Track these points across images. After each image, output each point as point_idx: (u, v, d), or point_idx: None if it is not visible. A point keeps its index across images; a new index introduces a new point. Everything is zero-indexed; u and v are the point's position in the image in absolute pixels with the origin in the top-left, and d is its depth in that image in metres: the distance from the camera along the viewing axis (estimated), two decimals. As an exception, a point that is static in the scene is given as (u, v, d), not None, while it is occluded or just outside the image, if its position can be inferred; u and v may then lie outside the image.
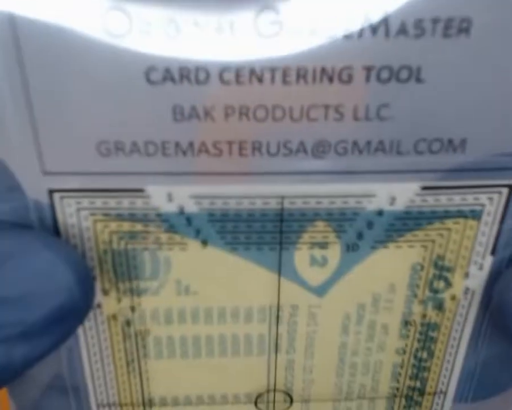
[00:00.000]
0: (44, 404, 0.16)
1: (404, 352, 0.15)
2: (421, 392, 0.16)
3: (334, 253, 0.14)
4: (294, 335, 0.15)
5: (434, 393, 0.16)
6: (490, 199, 0.13)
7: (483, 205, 0.13)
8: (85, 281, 0.12)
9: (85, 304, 0.12)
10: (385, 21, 0.10)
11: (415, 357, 0.15)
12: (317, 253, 0.14)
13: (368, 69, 0.11)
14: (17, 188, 0.12)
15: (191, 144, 0.12)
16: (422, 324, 0.15)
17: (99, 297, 0.14)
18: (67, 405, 0.16)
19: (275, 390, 0.16)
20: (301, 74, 0.11)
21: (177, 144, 0.12)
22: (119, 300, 0.14)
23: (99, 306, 0.14)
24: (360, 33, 0.10)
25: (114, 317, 0.14)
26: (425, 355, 0.15)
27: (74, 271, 0.12)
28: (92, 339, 0.15)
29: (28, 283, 0.11)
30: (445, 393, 0.16)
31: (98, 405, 0.16)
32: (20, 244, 0.12)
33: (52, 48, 0.10)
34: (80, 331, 0.14)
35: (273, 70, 0.11)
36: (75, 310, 0.12)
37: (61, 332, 0.12)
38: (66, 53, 0.10)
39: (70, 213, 0.12)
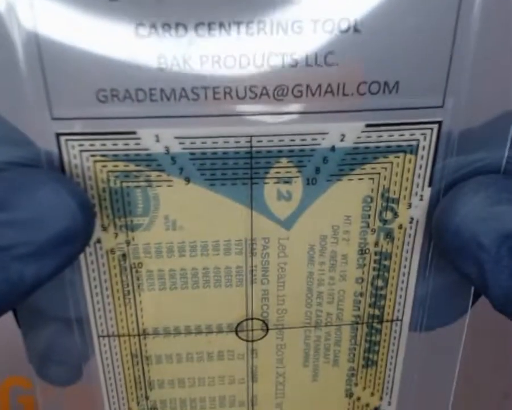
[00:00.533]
0: (52, 337, 0.18)
1: (363, 280, 0.18)
2: (380, 320, 0.19)
3: (297, 188, 0.16)
4: (268, 266, 0.18)
5: (392, 321, 0.19)
6: (423, 134, 0.16)
7: (418, 140, 0.16)
8: (85, 207, 0.14)
9: (86, 228, 0.15)
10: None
11: (372, 285, 0.18)
12: (283, 188, 0.16)
13: (315, 22, 0.14)
14: (29, 140, 0.15)
15: (173, 90, 0.14)
16: (376, 253, 0.18)
17: (98, 233, 0.16)
18: (72, 337, 0.18)
19: (252, 319, 0.18)
20: (261, 27, 0.14)
21: (161, 90, 0.14)
22: (115, 235, 0.16)
23: (98, 241, 0.17)
24: (306, -10, 0.13)
25: (112, 251, 0.17)
26: (380, 283, 0.18)
27: (77, 200, 0.14)
28: (93, 273, 0.17)
29: (37, 209, 0.14)
30: (401, 321, 0.19)
31: (99, 336, 0.18)
32: (30, 176, 0.14)
33: (61, 9, 0.13)
34: (82, 265, 0.17)
35: (238, 24, 0.14)
36: (78, 234, 0.14)
37: (66, 253, 0.14)
38: (73, 12, 0.13)
39: (74, 154, 0.15)
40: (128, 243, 0.17)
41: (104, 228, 0.16)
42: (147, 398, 0.20)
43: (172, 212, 0.16)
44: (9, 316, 0.18)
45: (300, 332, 0.19)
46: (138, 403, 0.20)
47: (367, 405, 0.21)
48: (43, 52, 0.13)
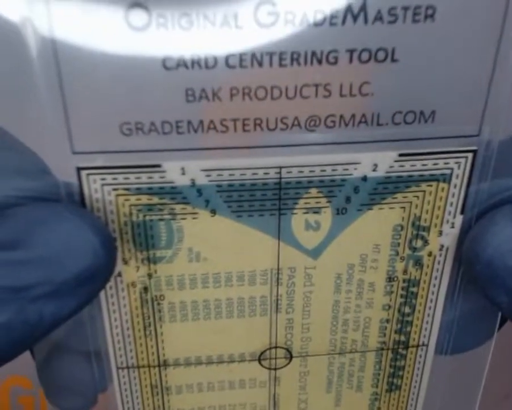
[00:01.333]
0: (69, 368, 0.18)
1: (389, 307, 0.17)
2: (406, 345, 0.18)
3: (326, 217, 0.16)
4: (293, 296, 0.17)
5: (417, 346, 0.18)
6: (458, 163, 0.15)
7: (451, 169, 0.15)
8: (108, 244, 0.14)
9: (108, 266, 0.14)
10: (364, 10, 0.12)
11: (399, 311, 0.18)
12: (311, 218, 0.16)
13: (351, 52, 0.13)
14: (47, 170, 0.14)
15: (201, 123, 0.14)
16: (404, 281, 0.17)
17: (119, 267, 0.16)
18: (89, 369, 0.17)
19: (276, 347, 0.18)
20: (295, 58, 0.13)
21: (189, 123, 0.14)
22: (137, 268, 0.16)
23: (119, 275, 0.16)
24: (343, 21, 0.12)
25: (133, 284, 0.16)
26: (407, 309, 0.18)
27: (99, 236, 0.13)
28: (113, 306, 0.16)
29: (58, 246, 0.13)
30: (427, 346, 0.18)
31: (118, 367, 0.18)
32: (51, 211, 0.13)
33: (82, 41, 0.12)
34: (102, 299, 0.16)
35: (271, 55, 0.13)
36: (100, 271, 0.14)
37: (87, 292, 0.14)
38: (95, 46, 0.12)
39: (95, 188, 0.14)
40: (150, 276, 0.16)
41: (126, 262, 0.16)
42: (166, 428, 0.19)
43: (196, 244, 0.16)
44: None
45: (324, 359, 0.18)
46: (157, 433, 0.19)
47: (390, 428, 0.20)
48: (64, 82, 0.13)
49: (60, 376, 0.18)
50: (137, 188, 0.14)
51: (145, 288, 0.16)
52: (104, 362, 0.17)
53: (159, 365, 0.18)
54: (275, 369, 0.18)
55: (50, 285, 0.13)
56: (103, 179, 0.14)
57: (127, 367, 0.18)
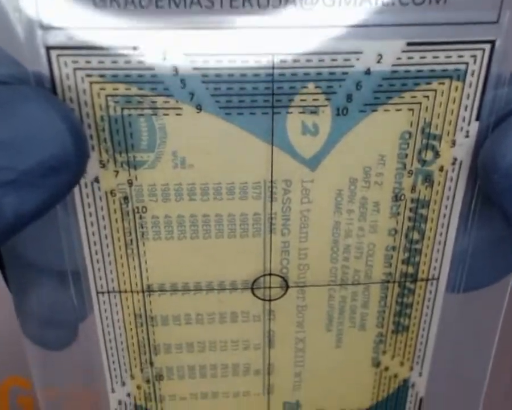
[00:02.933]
0: (45, 294, 0.16)
1: (396, 232, 0.16)
2: (414, 278, 0.17)
3: (324, 119, 0.14)
4: (289, 214, 0.15)
5: (427, 280, 0.17)
6: (473, 56, 0.13)
7: (466, 64, 0.13)
8: (77, 133, 0.12)
9: (76, 157, 0.12)
10: None
11: (406, 237, 0.16)
12: (308, 119, 0.14)
13: None
14: (13, 59, 0.12)
15: (183, -5, 0.12)
16: (412, 200, 0.15)
17: (96, 170, 0.14)
18: (67, 293, 0.16)
19: (270, 274, 0.16)
20: None
21: (169, -5, 0.12)
22: (116, 173, 0.14)
23: (96, 180, 0.14)
24: None
25: (112, 193, 0.15)
26: (416, 235, 0.16)
27: (67, 122, 0.12)
28: (90, 217, 0.15)
29: (21, 129, 0.12)
30: (437, 280, 0.17)
31: (98, 292, 0.16)
32: (14, 92, 0.12)
33: None
34: (78, 207, 0.15)
35: None
36: (67, 162, 0.12)
37: (52, 185, 0.12)
38: None
39: (67, 74, 0.13)
40: (130, 183, 0.14)
41: (103, 165, 0.14)
42: (151, 364, 0.18)
43: (181, 147, 0.14)
44: (9, 316, 0.17)
45: (323, 292, 0.17)
46: (142, 370, 0.18)
47: (395, 375, 0.18)
48: None
49: (37, 305, 0.16)
50: (114, 75, 0.13)
51: (126, 198, 0.15)
52: (83, 285, 0.16)
53: (143, 291, 0.16)
54: (270, 300, 0.17)
55: (11, 172, 0.12)
56: (75, 62, 0.13)
57: (108, 292, 0.16)
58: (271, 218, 0.15)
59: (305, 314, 0.17)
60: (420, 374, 0.18)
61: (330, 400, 0.19)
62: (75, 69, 0.13)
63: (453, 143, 0.14)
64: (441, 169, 0.15)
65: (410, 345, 0.18)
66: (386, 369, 0.18)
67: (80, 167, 0.13)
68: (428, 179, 0.15)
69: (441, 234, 0.16)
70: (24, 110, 0.12)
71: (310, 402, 0.19)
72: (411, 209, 0.15)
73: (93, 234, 0.15)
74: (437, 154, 0.15)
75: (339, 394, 0.19)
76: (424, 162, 0.15)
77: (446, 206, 0.15)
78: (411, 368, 0.18)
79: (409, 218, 0.16)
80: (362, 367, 0.18)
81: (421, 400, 0.19)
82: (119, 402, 0.18)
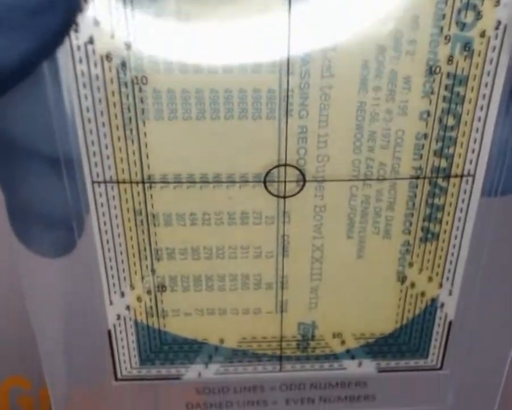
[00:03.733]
0: (36, 184, 0.14)
1: (429, 114, 0.14)
2: (447, 174, 0.15)
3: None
4: (307, 91, 0.14)
5: (462, 176, 0.15)
6: None
7: None
8: None
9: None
10: None
11: (440, 122, 0.14)
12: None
13: None
14: None
15: None
16: (448, 75, 0.13)
17: (90, 29, 0.13)
18: (60, 184, 0.14)
19: (286, 165, 0.14)
20: None
21: None
22: (112, 33, 0.13)
23: (90, 41, 0.13)
24: None
25: (108, 57, 0.13)
26: (451, 120, 0.14)
27: None
28: (84, 88, 0.13)
29: None
30: (473, 177, 0.15)
31: (93, 181, 0.14)
32: None
33: None
34: (70, 76, 0.13)
35: None
36: (54, 3, 0.11)
37: (41, 28, 0.11)
38: None
39: None
40: (128, 46, 0.13)
41: (97, 23, 0.12)
42: (153, 271, 0.16)
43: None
44: (8, 316, 0.17)
45: (344, 189, 0.15)
46: (142, 278, 0.16)
47: (423, 294, 0.17)
48: None
49: (28, 197, 0.15)
50: None
51: (123, 65, 0.13)
52: (77, 175, 0.14)
53: (143, 182, 0.14)
54: (284, 197, 0.15)
55: None
56: None
57: (105, 181, 0.14)
58: (287, 96, 0.13)
59: (323, 216, 0.15)
60: (450, 292, 0.17)
61: (349, 322, 0.17)
62: None
63: (498, 1, 0.12)
64: (483, 35, 0.13)
65: (440, 256, 0.16)
66: (412, 285, 0.16)
67: (69, 11, 0.11)
68: (468, 48, 0.13)
69: (479, 119, 0.14)
70: None
71: (327, 323, 0.17)
72: (446, 87, 0.13)
73: (87, 110, 0.13)
74: (478, 15, 0.13)
75: (359, 316, 0.17)
76: (463, 25, 0.13)
77: (486, 85, 0.13)
78: (440, 285, 0.16)
79: (444, 98, 0.14)
80: (386, 282, 0.16)
81: (450, 324, 0.17)
82: (118, 317, 0.16)
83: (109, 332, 0.17)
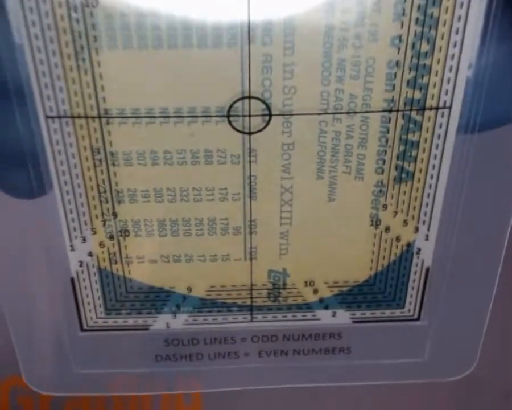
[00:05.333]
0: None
1: (401, 40, 0.13)
2: (421, 106, 0.14)
3: None
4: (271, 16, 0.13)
5: (437, 108, 0.14)
6: None
7: None
8: None
9: None
10: None
11: (413, 48, 0.13)
12: None
13: None
14: None
15: None
16: (420, -4, 0.12)
17: None
18: (11, 117, 0.13)
19: (250, 97, 0.14)
20: None
21: None
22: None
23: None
24: None
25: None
26: (425, 45, 0.13)
27: None
28: (31, 13, 0.12)
29: None
30: (450, 109, 0.14)
31: (47, 116, 0.13)
32: None
33: None
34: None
35: None
36: None
37: None
38: None
39: None
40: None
41: None
42: (114, 215, 0.15)
43: None
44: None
45: (313, 124, 0.14)
46: (104, 222, 0.15)
47: (398, 238, 0.16)
48: None
49: None
50: None
51: (72, -15, 0.12)
52: (29, 109, 0.13)
53: (99, 117, 0.14)
54: (250, 133, 0.14)
55: None
56: None
57: (59, 116, 0.13)
58: (249, 20, 0.13)
59: (291, 154, 0.14)
60: (427, 237, 0.16)
61: (321, 270, 0.16)
62: None
63: None
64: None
65: (415, 198, 0.15)
66: (387, 229, 0.16)
67: None
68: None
69: (455, 44, 0.13)
70: None
71: (298, 271, 0.16)
72: (419, 7, 0.13)
73: (36, 37, 0.13)
74: None
75: (332, 263, 0.16)
76: None
77: (461, 5, 0.12)
78: (416, 229, 0.16)
79: (417, 21, 0.13)
80: (359, 226, 0.16)
81: (427, 271, 0.16)
82: (80, 264, 0.16)
83: (72, 280, 0.16)
